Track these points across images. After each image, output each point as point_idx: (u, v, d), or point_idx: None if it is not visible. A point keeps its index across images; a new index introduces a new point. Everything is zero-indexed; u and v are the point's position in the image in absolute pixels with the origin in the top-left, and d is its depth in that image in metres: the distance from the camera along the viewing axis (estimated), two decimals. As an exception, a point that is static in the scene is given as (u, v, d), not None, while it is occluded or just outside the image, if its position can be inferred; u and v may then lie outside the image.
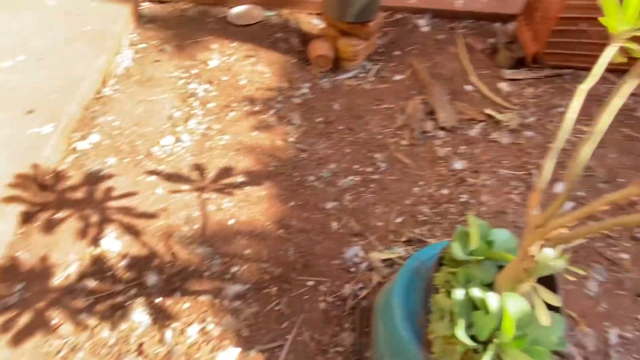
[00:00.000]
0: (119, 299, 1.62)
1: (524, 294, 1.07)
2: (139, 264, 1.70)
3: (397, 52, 2.66)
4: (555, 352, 1.57)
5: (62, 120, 2.05)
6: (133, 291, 1.63)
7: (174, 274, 1.67)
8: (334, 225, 1.86)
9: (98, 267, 1.70)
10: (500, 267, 1.21)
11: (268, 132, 2.17)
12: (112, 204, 1.87)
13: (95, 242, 1.76)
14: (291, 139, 2.15)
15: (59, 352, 1.49)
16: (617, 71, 2.31)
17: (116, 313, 1.58)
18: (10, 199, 1.79)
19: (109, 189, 1.92)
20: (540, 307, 1.00)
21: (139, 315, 1.57)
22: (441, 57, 2.62)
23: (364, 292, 1.67)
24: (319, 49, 2.47)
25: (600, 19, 0.98)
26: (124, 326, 1.55)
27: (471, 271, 1.21)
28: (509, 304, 1.05)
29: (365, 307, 1.63)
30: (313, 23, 2.81)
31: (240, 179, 1.97)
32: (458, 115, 2.30)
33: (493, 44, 2.67)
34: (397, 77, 2.52)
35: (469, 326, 1.11)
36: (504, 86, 2.45)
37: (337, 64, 2.54)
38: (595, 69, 0.98)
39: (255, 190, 1.93)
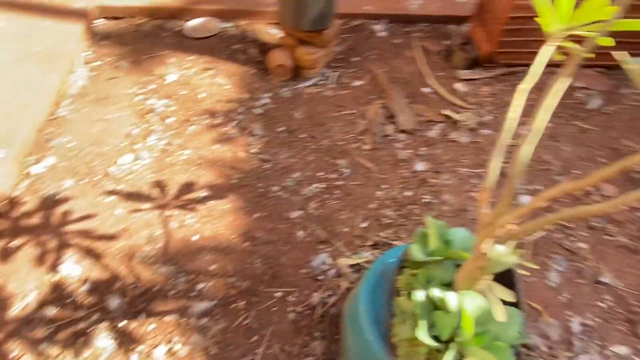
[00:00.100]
0: (81, 325, 1.57)
1: (481, 291, 1.09)
2: (100, 288, 1.66)
3: (355, 58, 2.69)
4: (523, 345, 1.60)
5: (14, 145, 1.99)
6: (95, 316, 1.59)
7: (137, 296, 1.63)
8: (300, 234, 1.85)
9: (58, 294, 1.65)
10: (459, 266, 1.22)
11: (230, 145, 2.16)
12: (70, 227, 1.82)
13: (53, 268, 1.71)
14: (253, 150, 2.14)
15: (18, 386, 1.43)
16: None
17: (79, 340, 1.53)
18: (-39, 230, 1.72)
19: (66, 213, 1.87)
20: (495, 304, 1.02)
21: (103, 340, 1.53)
22: (398, 61, 2.66)
23: (332, 299, 1.67)
24: (278, 58, 2.47)
25: (536, 19, 1.02)
26: (87, 353, 1.50)
27: (431, 272, 1.23)
28: (466, 303, 1.07)
29: (334, 314, 1.63)
30: (271, 33, 2.82)
31: (202, 193, 1.95)
32: (417, 118, 2.34)
33: (448, 46, 2.73)
34: (357, 83, 2.54)
35: (431, 327, 1.12)
36: (460, 87, 2.50)
37: (296, 73, 2.54)
38: (533, 68, 1.01)
39: (218, 204, 1.91)
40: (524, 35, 2.43)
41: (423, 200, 1.99)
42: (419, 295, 1.15)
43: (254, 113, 2.32)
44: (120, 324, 1.57)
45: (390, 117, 2.34)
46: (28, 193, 1.93)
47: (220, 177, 2.01)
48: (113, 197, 1.93)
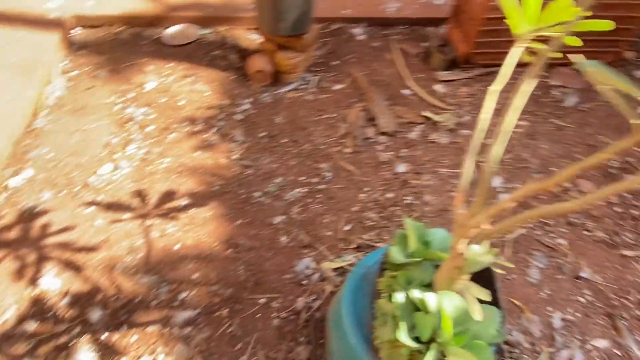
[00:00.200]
0: (63, 339, 1.55)
1: (459, 291, 1.10)
2: (81, 301, 1.63)
3: (335, 62, 2.70)
4: (505, 342, 1.62)
5: (-10, 157, 1.96)
6: (77, 329, 1.57)
7: (119, 307, 1.61)
8: (283, 239, 1.85)
9: (38, 308, 1.62)
10: (438, 267, 1.24)
11: (211, 152, 2.15)
12: (50, 240, 1.80)
13: (33, 282, 1.68)
14: (235, 156, 2.14)
15: (-2, 403, 1.41)
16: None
17: (60, 355, 1.51)
18: (-64, 246, 1.68)
19: (46, 225, 1.84)
20: (472, 303, 1.03)
21: (85, 354, 1.51)
22: (378, 64, 2.68)
23: (317, 304, 1.67)
24: (258, 63, 2.47)
25: (505, 21, 1.03)
26: (69, 367, 1.48)
27: (411, 273, 1.24)
28: (445, 303, 1.08)
29: (319, 319, 1.63)
30: (251, 38, 2.82)
31: (184, 201, 1.93)
32: (398, 120, 2.35)
33: (426, 48, 2.76)
34: (337, 87, 2.55)
35: (412, 328, 1.13)
36: (439, 88, 2.53)
37: (277, 78, 2.55)
38: (503, 70, 1.02)
39: (200, 211, 1.90)
40: (500, 36, 2.46)
41: (405, 202, 2.00)
42: (399, 296, 1.15)
43: (234, 119, 2.32)
44: (102, 337, 1.55)
45: (371, 120, 2.35)
46: (6, 206, 1.90)
47: (201, 185, 2.01)
48: (93, 208, 1.91)
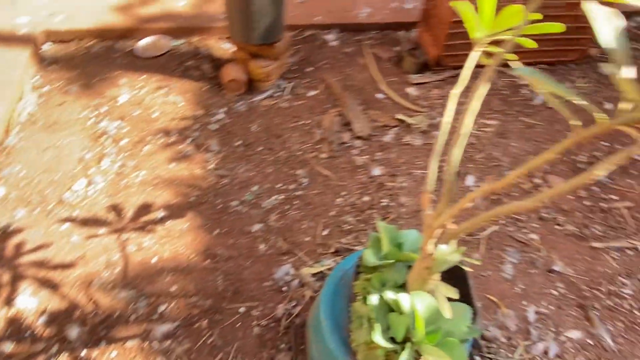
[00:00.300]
0: (41, 358, 1.53)
1: (430, 291, 1.13)
2: (59, 319, 1.62)
3: (309, 69, 2.73)
4: (483, 337, 1.65)
5: (-41, 177, 1.93)
6: (55, 348, 1.55)
7: (97, 323, 1.60)
8: (262, 247, 1.86)
9: (15, 329, 1.60)
10: (411, 267, 1.26)
11: (186, 162, 2.15)
12: (25, 259, 1.77)
13: (8, 302, 1.66)
14: (210, 166, 2.14)
15: None
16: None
17: (38, 375, 1.49)
18: None
19: (20, 244, 1.82)
20: (442, 302, 1.05)
21: (64, 372, 1.50)
22: (351, 69, 2.71)
23: (297, 310, 1.68)
24: (231, 73, 2.48)
25: (465, 26, 1.07)
26: (47, 387, 1.46)
27: (384, 275, 1.26)
28: (417, 303, 1.10)
29: (299, 324, 1.64)
30: (224, 48, 2.82)
31: (160, 214, 1.93)
32: (372, 124, 2.39)
33: (398, 52, 2.80)
34: (312, 93, 2.57)
35: (388, 329, 1.15)
36: (412, 91, 2.57)
37: (251, 86, 2.56)
38: (463, 73, 1.05)
39: (177, 223, 1.90)
40: (468, 39, 2.51)
41: (381, 204, 2.03)
42: (373, 299, 1.17)
43: (209, 129, 2.32)
44: (82, 354, 1.53)
45: (346, 125, 2.38)
46: (-22, 227, 1.87)
47: (177, 196, 2.00)
48: (68, 225, 1.89)
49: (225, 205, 1.99)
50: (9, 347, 1.56)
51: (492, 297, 1.71)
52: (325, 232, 1.92)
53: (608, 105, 2.49)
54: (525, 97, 2.56)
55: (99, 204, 1.96)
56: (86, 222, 1.89)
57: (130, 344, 1.55)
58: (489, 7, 0.99)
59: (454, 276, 1.27)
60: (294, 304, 1.70)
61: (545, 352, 1.58)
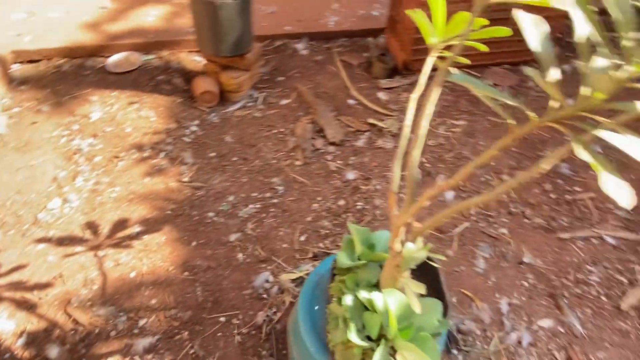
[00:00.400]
0: (20, 381, 1.52)
1: (401, 288, 1.17)
2: (38, 339, 1.61)
3: (280, 78, 2.77)
4: (459, 331, 1.70)
5: None
6: (35, 369, 1.54)
7: (77, 342, 1.60)
8: (240, 256, 1.88)
9: (-8, 353, 1.59)
10: (383, 267, 1.30)
11: (161, 176, 2.16)
12: (1, 281, 1.76)
13: (-15, 326, 1.64)
14: (185, 179, 2.15)
15: None
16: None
17: (18, 397, 1.48)
18: None
19: (-5, 267, 1.80)
20: (412, 298, 1.09)
21: (44, 393, 1.49)
22: (322, 76, 2.76)
23: (277, 316, 1.70)
24: (203, 85, 2.50)
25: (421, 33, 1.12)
26: (28, 409, 1.45)
27: (358, 276, 1.29)
28: (389, 301, 1.14)
29: (280, 330, 1.66)
30: (195, 60, 2.85)
31: (136, 229, 1.93)
32: (344, 129, 2.43)
33: (367, 58, 2.86)
34: (284, 102, 2.61)
35: (363, 328, 1.19)
36: (382, 95, 2.63)
37: (223, 97, 2.58)
38: (420, 78, 1.11)
39: (154, 237, 1.91)
40: (434, 42, 2.60)
41: (357, 207, 2.07)
42: (348, 299, 1.21)
43: (183, 142, 2.33)
44: (62, 374, 1.53)
45: (319, 132, 2.42)
46: (-50, 252, 1.85)
47: (153, 210, 2.01)
48: (44, 245, 1.88)
49: (201, 216, 2.01)
50: (-13, 371, 1.54)
51: (466, 292, 1.76)
52: (302, 238, 1.96)
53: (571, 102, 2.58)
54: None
55: (74, 222, 1.95)
56: (62, 241, 1.89)
57: (111, 360, 1.56)
58: (440, 14, 1.05)
59: (427, 273, 1.32)
60: (274, 310, 1.72)
61: (519, 342, 1.63)
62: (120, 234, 1.91)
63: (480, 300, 1.74)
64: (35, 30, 2.89)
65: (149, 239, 1.90)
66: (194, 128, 2.41)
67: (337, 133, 2.40)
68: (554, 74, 0.61)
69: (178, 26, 2.99)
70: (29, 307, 1.69)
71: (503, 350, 1.61)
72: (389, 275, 1.19)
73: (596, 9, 0.69)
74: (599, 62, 0.58)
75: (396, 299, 1.15)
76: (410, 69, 2.74)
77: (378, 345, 1.14)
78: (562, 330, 1.68)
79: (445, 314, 1.22)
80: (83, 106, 2.50)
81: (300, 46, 2.98)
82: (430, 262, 1.28)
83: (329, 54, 2.94)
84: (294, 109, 2.56)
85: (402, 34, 2.71)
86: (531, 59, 2.85)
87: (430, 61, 1.12)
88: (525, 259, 1.87)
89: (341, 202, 2.09)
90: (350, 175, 2.21)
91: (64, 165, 2.19)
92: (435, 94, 0.96)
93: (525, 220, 2.01)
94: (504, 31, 1.03)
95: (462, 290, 1.77)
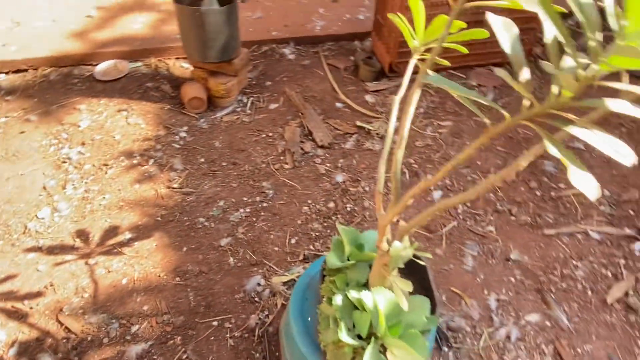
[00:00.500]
0: (13, 391, 1.52)
1: (389, 286, 1.19)
2: (29, 349, 1.61)
3: (269, 83, 2.79)
4: (449, 328, 1.73)
5: None
6: (27, 379, 1.54)
7: (70, 350, 1.60)
8: (231, 260, 1.89)
9: (-16, 364, 1.58)
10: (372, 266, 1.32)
11: (151, 183, 2.17)
12: (-10, 292, 1.76)
13: (-24, 337, 1.64)
14: (175, 185, 2.16)
15: None
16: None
17: (11, 407, 1.48)
18: None
19: (-15, 277, 1.80)
20: (400, 295, 1.12)
21: (38, 402, 1.49)
22: (309, 80, 2.79)
23: (270, 318, 1.72)
24: (191, 91, 2.51)
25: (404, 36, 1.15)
26: (21, 419, 1.45)
27: (348, 276, 1.32)
28: (378, 299, 1.16)
29: (272, 333, 1.68)
30: (183, 67, 2.86)
31: (127, 235, 1.94)
32: (333, 132, 2.46)
33: (354, 61, 2.90)
34: (273, 106, 2.63)
35: (353, 327, 1.21)
36: (369, 98, 2.66)
37: (212, 103, 2.60)
38: (404, 80, 1.13)
39: (145, 244, 1.91)
40: (419, 44, 2.63)
41: (346, 209, 2.09)
42: (338, 299, 1.23)
43: (173, 148, 2.34)
44: (55, 382, 1.53)
45: (308, 135, 2.45)
46: (-61, 264, 1.84)
47: (144, 217, 2.02)
48: (34, 254, 1.88)
49: (192, 222, 2.02)
50: (-21, 382, 1.54)
51: (455, 290, 1.79)
52: (293, 241, 1.97)
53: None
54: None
55: (64, 230, 1.96)
56: (53, 250, 1.89)
57: (104, 367, 1.56)
58: (420, 18, 1.07)
59: (415, 271, 1.34)
60: (266, 313, 1.74)
61: (508, 337, 1.66)
62: (111, 241, 1.92)
63: (469, 297, 1.77)
64: (21, 39, 2.89)
65: (140, 245, 1.91)
66: (183, 134, 2.42)
67: (326, 136, 2.43)
68: (525, 74, 0.64)
69: (165, 33, 3.00)
70: (20, 316, 1.69)
71: (492, 346, 1.64)
72: (377, 274, 1.22)
73: (567, 11, 0.72)
74: (567, 62, 0.60)
75: (385, 297, 1.18)
76: (396, 72, 2.78)
77: (368, 343, 1.16)
78: (549, 325, 1.71)
79: (433, 310, 1.24)
80: (71, 115, 2.50)
81: (288, 51, 3.01)
82: (418, 261, 1.31)
83: (316, 58, 2.96)
84: (282, 113, 2.59)
85: (387, 37, 2.75)
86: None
87: (412, 63, 1.15)
88: (513, 256, 1.90)
89: (331, 205, 2.12)
90: (339, 177, 2.23)
91: (54, 174, 2.19)
92: (416, 95, 0.99)
93: (512, 218, 2.05)
94: (481, 33, 1.06)
95: (452, 288, 1.80)
